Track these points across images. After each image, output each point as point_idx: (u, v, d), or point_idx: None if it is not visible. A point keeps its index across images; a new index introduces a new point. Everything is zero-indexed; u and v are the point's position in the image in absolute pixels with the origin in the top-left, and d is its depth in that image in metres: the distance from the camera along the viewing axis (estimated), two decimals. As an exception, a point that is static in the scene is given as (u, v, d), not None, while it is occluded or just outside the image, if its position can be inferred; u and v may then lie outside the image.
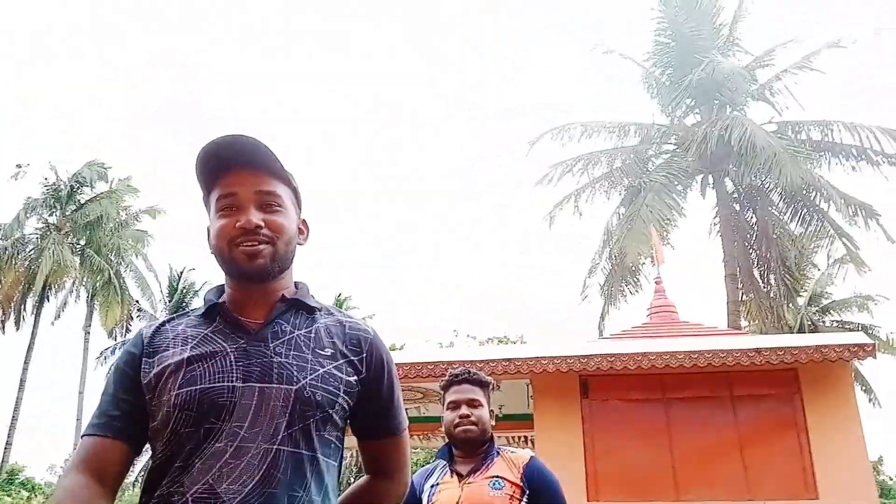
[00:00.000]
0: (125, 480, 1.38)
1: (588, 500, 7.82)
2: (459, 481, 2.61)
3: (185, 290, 30.68)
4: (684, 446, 7.95)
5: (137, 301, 28.52)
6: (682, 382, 8.16)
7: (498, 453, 2.67)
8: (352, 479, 20.74)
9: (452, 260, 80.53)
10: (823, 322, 23.45)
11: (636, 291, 18.21)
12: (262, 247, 1.38)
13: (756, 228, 17.82)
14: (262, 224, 1.38)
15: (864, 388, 21.53)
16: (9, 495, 23.48)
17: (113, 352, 28.12)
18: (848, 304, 23.25)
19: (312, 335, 1.43)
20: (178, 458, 1.28)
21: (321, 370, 1.38)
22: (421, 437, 11.64)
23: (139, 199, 28.99)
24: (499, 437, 3.13)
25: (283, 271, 1.44)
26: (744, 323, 17.78)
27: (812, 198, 16.69)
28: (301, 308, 1.46)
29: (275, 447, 1.29)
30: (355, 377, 1.43)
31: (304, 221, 1.54)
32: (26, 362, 25.10)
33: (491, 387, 2.81)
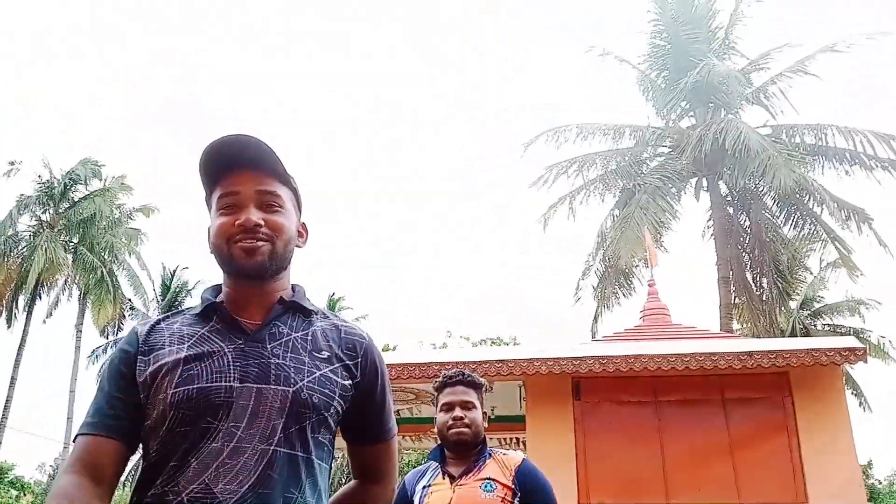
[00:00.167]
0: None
1: (579, 502, 7.83)
2: (451, 483, 2.62)
3: (178, 290, 30.60)
4: (675, 449, 7.97)
5: (130, 300, 28.44)
6: (674, 385, 8.18)
7: (490, 455, 2.67)
8: (343, 481, 20.71)
9: (452, 260, 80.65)
10: (815, 326, 23.52)
11: (629, 294, 18.23)
12: (260, 245, 1.38)
13: (749, 232, 17.86)
14: (262, 223, 1.39)
15: (854, 392, 21.59)
16: (-2, 493, 23.38)
17: (105, 350, 28.04)
18: (840, 309, 23.32)
19: (309, 338, 1.44)
20: (174, 458, 1.28)
21: (318, 373, 1.39)
22: (413, 438, 11.63)
23: (133, 197, 28.92)
24: (491, 438, 3.13)
25: (281, 271, 1.45)
26: (736, 326, 17.82)
27: (805, 201, 16.75)
28: (298, 311, 1.47)
29: (271, 448, 1.30)
30: (350, 381, 1.44)
31: (303, 224, 1.54)
32: (17, 360, 24.98)
33: (484, 388, 2.82)
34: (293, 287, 1.52)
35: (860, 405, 21.94)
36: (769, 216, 17.61)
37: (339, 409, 1.41)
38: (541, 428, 8.34)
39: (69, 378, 26.52)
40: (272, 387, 1.33)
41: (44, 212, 26.95)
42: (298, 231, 1.50)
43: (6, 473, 29.56)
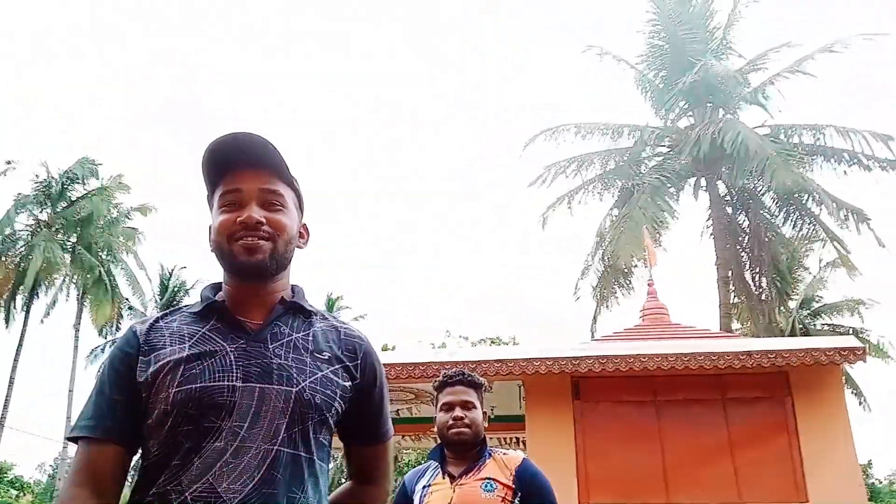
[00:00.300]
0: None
1: (579, 502, 7.83)
2: (451, 483, 2.61)
3: (176, 289, 30.60)
4: (675, 448, 7.97)
5: (128, 299, 28.44)
6: (674, 385, 8.18)
7: (490, 455, 2.67)
8: (340, 481, 20.71)
9: (452, 260, 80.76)
10: (814, 325, 23.54)
11: (628, 293, 18.27)
12: (261, 243, 1.37)
13: (748, 231, 17.89)
14: (264, 221, 1.38)
15: (854, 391, 21.61)
16: (-3, 493, 23.37)
17: (103, 350, 28.04)
18: (839, 308, 23.34)
19: (310, 339, 1.43)
20: (176, 457, 1.27)
21: (320, 374, 1.39)
22: (412, 437, 11.63)
23: (130, 196, 28.91)
24: (490, 438, 3.13)
25: (281, 271, 1.44)
26: (736, 326, 17.85)
27: (804, 201, 16.77)
28: (299, 311, 1.47)
29: (275, 448, 1.29)
30: (350, 383, 1.45)
31: (304, 226, 1.54)
32: (15, 360, 24.98)
33: (484, 388, 2.81)
34: (292, 287, 1.51)
35: (860, 404, 21.98)
36: (768, 216, 17.63)
37: (339, 410, 1.41)
38: (540, 427, 8.34)
39: (67, 377, 26.53)
40: (275, 387, 1.33)
41: (41, 211, 26.95)
42: (300, 232, 1.50)
43: (6, 473, 29.57)
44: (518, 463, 2.65)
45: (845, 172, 16.91)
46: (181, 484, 1.25)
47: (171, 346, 1.36)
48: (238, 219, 1.37)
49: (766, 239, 17.32)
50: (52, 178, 26.89)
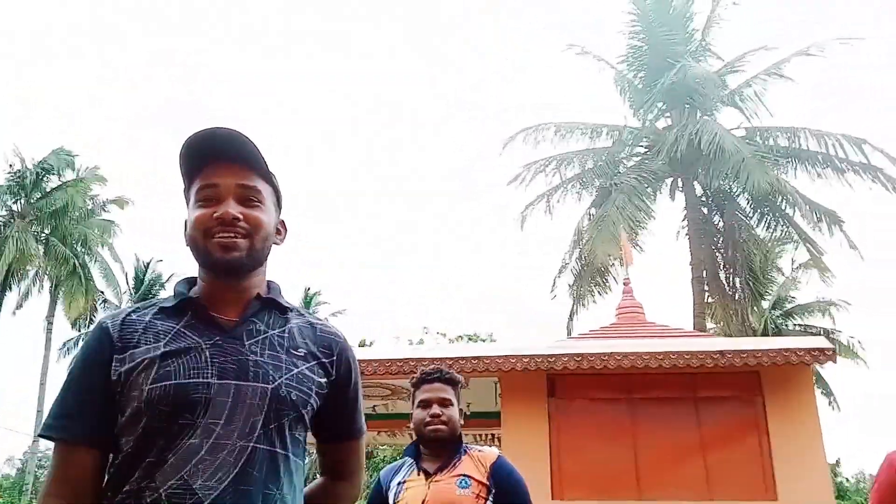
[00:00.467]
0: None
1: (553, 499, 7.89)
2: (426, 479, 2.62)
3: (151, 282, 30.30)
4: (648, 446, 8.05)
5: (102, 292, 28.09)
6: (648, 383, 8.26)
7: (465, 452, 2.68)
8: (316, 475, 20.65)
9: (452, 260, 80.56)
10: (787, 326, 23.83)
11: (605, 292, 18.36)
12: (238, 240, 1.36)
13: (723, 232, 18.05)
14: (240, 217, 1.37)
15: (824, 391, 21.91)
16: (-35, 487, 23.01)
17: (76, 343, 27.68)
18: (811, 309, 23.65)
19: (286, 335, 1.43)
20: (150, 454, 1.27)
21: (295, 370, 1.39)
22: (388, 433, 11.63)
23: (107, 188, 28.54)
24: (466, 434, 3.15)
25: (257, 267, 1.44)
26: (710, 325, 18.01)
27: (778, 203, 16.96)
28: (275, 308, 1.46)
29: (251, 444, 1.30)
30: (325, 379, 1.45)
31: (282, 222, 1.53)
32: (-14, 352, 24.60)
33: (461, 385, 2.83)
34: (268, 284, 1.50)
35: (829, 404, 22.29)
36: (742, 217, 17.81)
37: (315, 406, 1.42)
38: (515, 424, 8.39)
39: (39, 370, 26.16)
40: (251, 384, 1.32)
41: (15, 202, 26.52)
42: (277, 228, 1.49)
43: (-27, 467, 29.09)
44: (493, 460, 2.66)
45: (819, 175, 17.13)
46: (155, 481, 1.24)
47: (146, 343, 1.34)
48: (214, 214, 1.36)
49: (741, 239, 17.49)
50: (27, 168, 26.49)
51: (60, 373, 29.35)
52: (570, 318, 18.49)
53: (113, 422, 1.32)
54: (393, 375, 8.24)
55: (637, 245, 18.13)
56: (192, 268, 1.47)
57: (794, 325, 23.98)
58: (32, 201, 26.40)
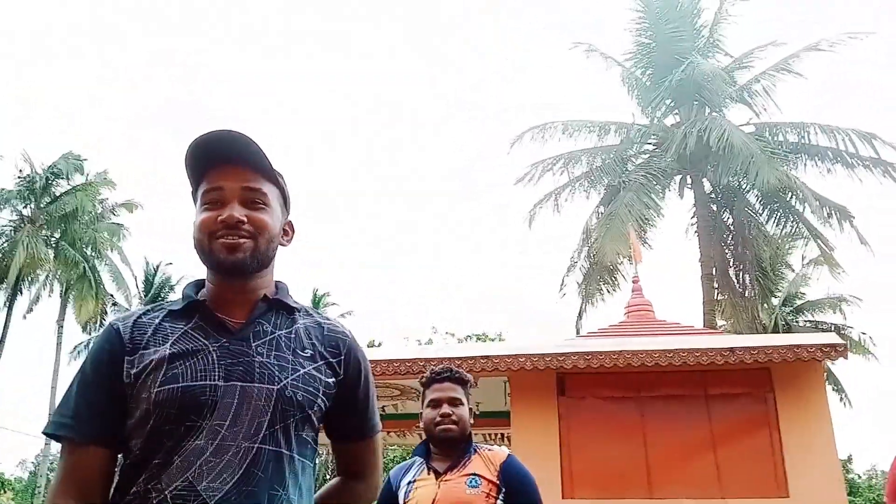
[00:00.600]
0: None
1: (563, 498, 7.87)
2: (436, 479, 2.62)
3: (161, 285, 30.43)
4: (658, 444, 8.03)
5: (112, 295, 28.23)
6: (658, 381, 8.23)
7: (475, 451, 2.68)
8: (328, 477, 20.69)
9: (452, 260, 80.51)
10: (797, 322, 23.72)
11: (614, 290, 18.32)
12: (242, 241, 1.37)
13: (732, 229, 17.99)
14: (245, 219, 1.37)
15: (835, 387, 21.78)
16: (-21, 490, 23.17)
17: (87, 346, 27.81)
18: (821, 305, 23.52)
19: (293, 336, 1.43)
20: (157, 456, 1.27)
21: (302, 371, 1.39)
22: (398, 434, 11.64)
23: (116, 192, 28.69)
24: (475, 434, 3.14)
25: (262, 269, 1.44)
26: (720, 322, 17.95)
27: (788, 199, 16.89)
28: (282, 308, 1.47)
29: (256, 445, 1.30)
30: (333, 379, 1.45)
31: (289, 223, 1.53)
32: (-2, 356, 24.75)
33: (470, 384, 2.82)
34: (276, 284, 1.51)
35: (840, 401, 22.16)
36: (752, 213, 17.74)
37: (323, 406, 1.42)
38: (525, 423, 8.37)
39: (50, 374, 26.31)
40: (256, 385, 1.33)
41: (25, 206, 26.68)
42: (284, 229, 1.49)
43: (-14, 470, 29.30)
44: (503, 459, 2.66)
45: (829, 171, 17.04)
46: (161, 483, 1.25)
47: (154, 345, 1.35)
48: (219, 217, 1.37)
49: (750, 236, 17.42)
50: (36, 173, 26.65)
51: (71, 376, 29.49)
52: (579, 317, 18.48)
53: (121, 422, 1.33)
54: (402, 376, 8.24)
55: (646, 243, 18.09)
56: (199, 270, 1.48)
57: (805, 321, 23.86)
58: (42, 206, 26.56)
